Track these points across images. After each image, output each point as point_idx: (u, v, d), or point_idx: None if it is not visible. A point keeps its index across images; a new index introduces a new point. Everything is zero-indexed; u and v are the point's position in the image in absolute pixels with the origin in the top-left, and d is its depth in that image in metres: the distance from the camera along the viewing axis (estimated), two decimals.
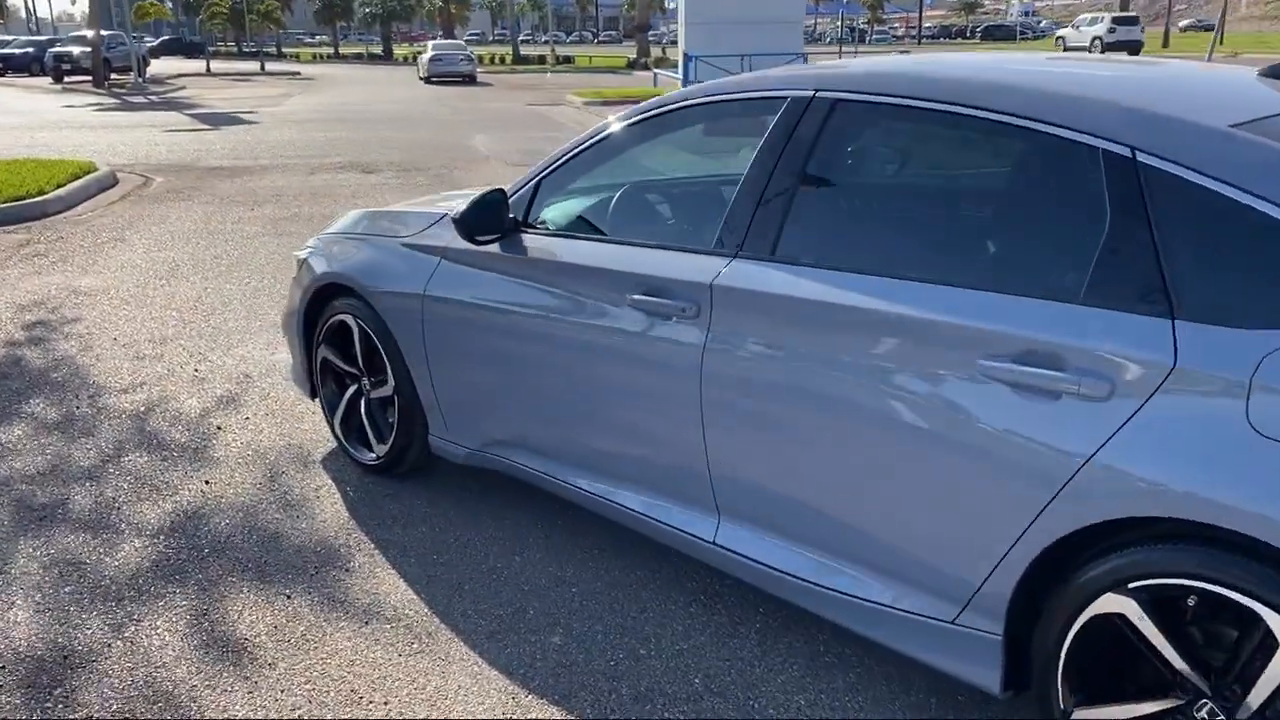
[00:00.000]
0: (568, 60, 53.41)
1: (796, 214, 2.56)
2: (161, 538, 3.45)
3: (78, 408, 4.64)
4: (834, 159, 2.67)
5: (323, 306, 3.92)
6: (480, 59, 55.63)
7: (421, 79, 37.94)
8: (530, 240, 3.16)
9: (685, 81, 26.12)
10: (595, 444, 3.06)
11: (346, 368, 3.93)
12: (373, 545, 3.40)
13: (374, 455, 3.86)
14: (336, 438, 4.05)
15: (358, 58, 65.02)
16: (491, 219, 3.14)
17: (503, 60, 54.94)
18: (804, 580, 2.56)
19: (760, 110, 2.77)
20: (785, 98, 2.64)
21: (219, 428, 4.40)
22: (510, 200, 3.21)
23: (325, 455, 4.11)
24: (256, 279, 7.06)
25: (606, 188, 3.35)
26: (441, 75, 37.31)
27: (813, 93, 2.59)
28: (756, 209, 2.59)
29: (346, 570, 3.25)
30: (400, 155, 14.22)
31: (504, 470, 3.43)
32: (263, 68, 45.37)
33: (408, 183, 11.63)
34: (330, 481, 3.88)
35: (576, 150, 3.16)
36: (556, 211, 3.26)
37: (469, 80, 37.56)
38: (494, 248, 3.23)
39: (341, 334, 3.89)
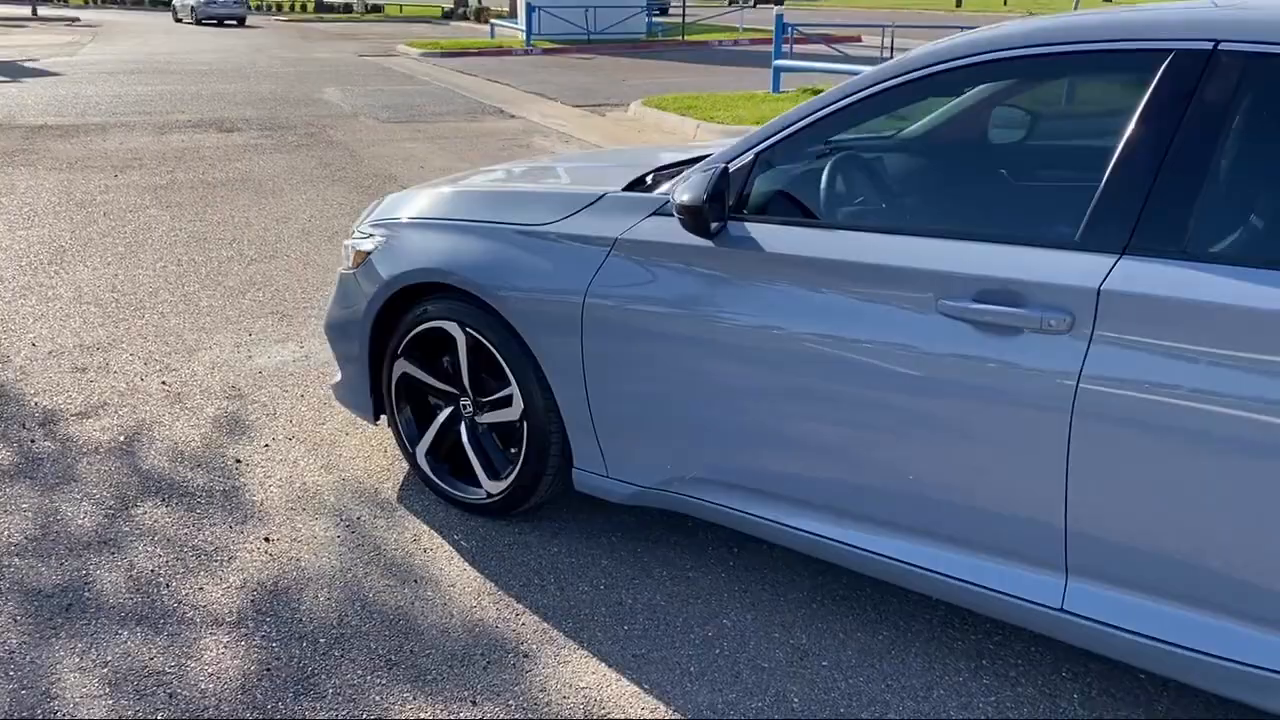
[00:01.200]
0: (377, 9, 50.72)
1: (1220, 200, 2.04)
2: (249, 626, 2.64)
3: (33, 443, 3.64)
4: (1264, 129, 2.11)
5: (403, 310, 3.14)
6: (278, 6, 52.26)
7: (186, 22, 37.97)
8: (760, 230, 2.50)
9: (529, 33, 25.10)
10: (870, 489, 2.43)
11: (440, 386, 3.17)
12: (535, 615, 2.70)
13: (483, 493, 3.13)
14: (420, 471, 3.28)
15: (123, 2, 59.35)
16: (721, 204, 2.47)
17: (304, 8, 51.57)
18: (1204, 654, 2.06)
19: (1114, 67, 2.21)
20: (1165, 51, 2.10)
21: (237, 461, 3.53)
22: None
23: (398, 492, 3.33)
24: (171, 261, 5.97)
25: (851, 164, 2.72)
26: (212, 17, 37.80)
27: (1211, 45, 2.06)
28: (1149, 193, 2.04)
29: (525, 656, 2.54)
30: (253, 111, 12.81)
31: (693, 512, 2.78)
32: (35, 12, 40.85)
33: (282, 142, 10.41)
34: (427, 529, 3.12)
35: (813, 117, 2.50)
36: (784, 191, 2.62)
37: (240, 23, 38.01)
38: (695, 239, 2.56)
39: (434, 345, 3.12)
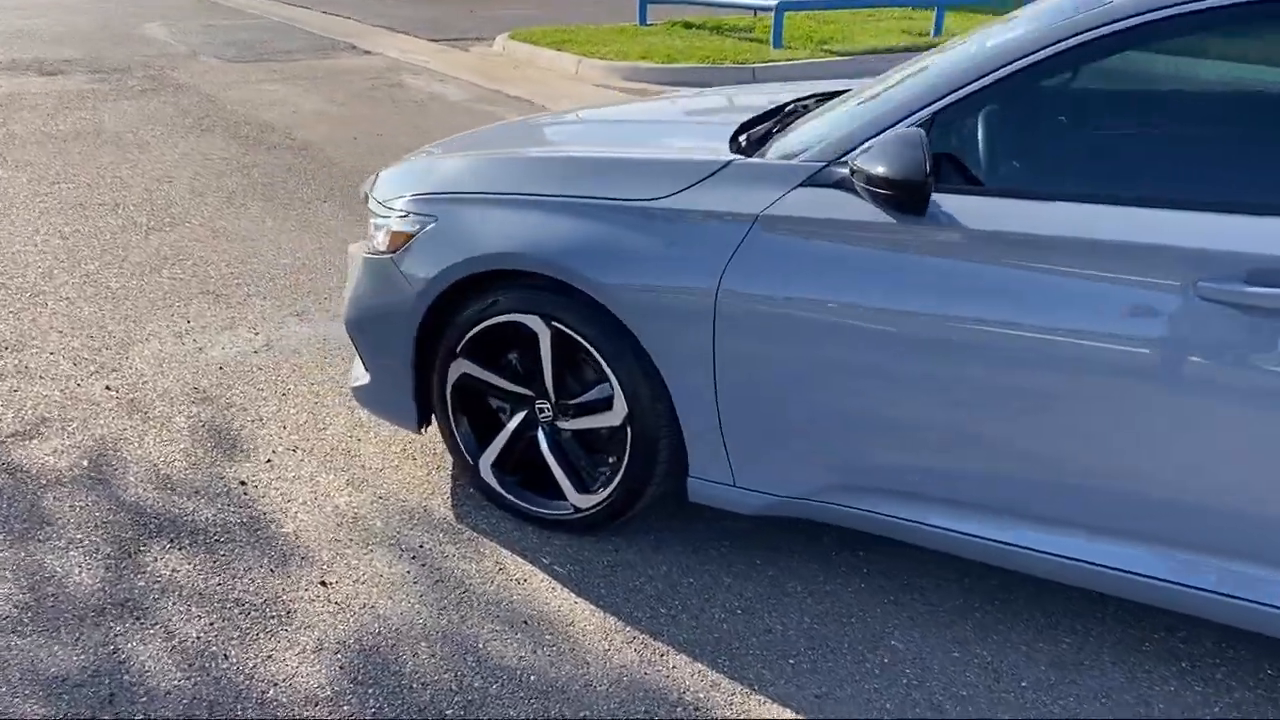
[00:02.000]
0: None
1: None
2: (352, 701, 2.17)
3: None
4: None
5: (459, 302, 2.66)
6: None
7: None
8: (974, 205, 2.14)
9: None
10: (1098, 492, 2.17)
11: (512, 388, 2.72)
12: (682, 654, 2.34)
13: (569, 508, 2.72)
14: (484, 486, 2.84)
15: None
16: (936, 176, 2.13)
17: None
18: None
19: None
20: None
21: (242, 483, 2.97)
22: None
23: (453, 509, 2.88)
24: (52, 234, 5.12)
25: (1064, 126, 2.38)
26: None
27: None
28: None
29: (697, 709, 2.18)
30: (72, 51, 11.39)
31: (844, 522, 2.46)
32: None
33: (122, 87, 9.26)
34: (509, 554, 2.69)
35: (1005, 71, 2.17)
36: (980, 157, 2.28)
37: None
38: (886, 216, 2.20)
39: (505, 341, 2.67)
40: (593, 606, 2.50)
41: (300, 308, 4.23)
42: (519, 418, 2.75)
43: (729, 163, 2.41)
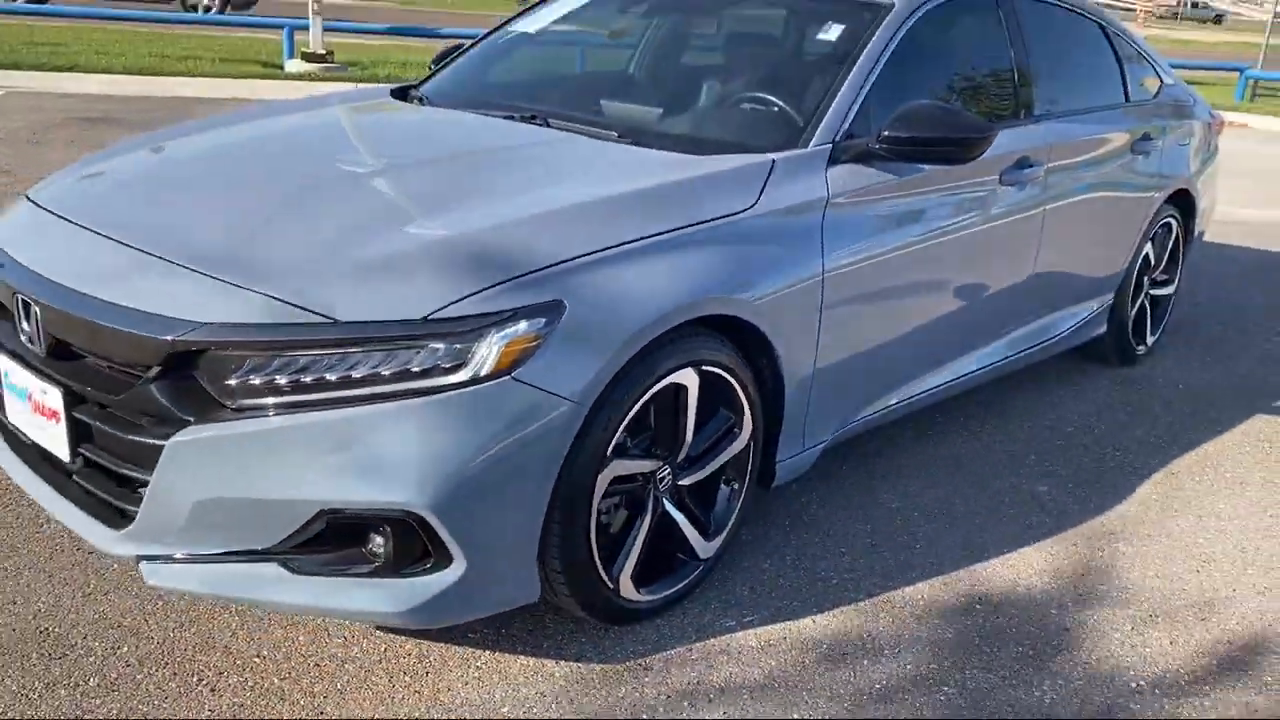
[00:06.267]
0: None
1: None
2: None
3: None
4: None
5: (603, 395, 2.12)
6: None
7: None
8: None
9: None
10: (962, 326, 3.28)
11: (653, 466, 2.33)
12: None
13: (698, 566, 2.52)
14: (627, 608, 2.38)
15: None
16: None
17: None
18: None
19: None
20: None
21: None
22: None
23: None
24: None
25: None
26: None
27: None
28: None
29: None
30: None
31: (858, 431, 2.99)
32: None
33: None
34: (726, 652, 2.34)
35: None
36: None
37: None
38: (930, 167, 2.82)
39: (654, 412, 2.28)
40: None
41: None
42: (648, 501, 2.35)
43: (775, 161, 2.53)
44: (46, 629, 2.27)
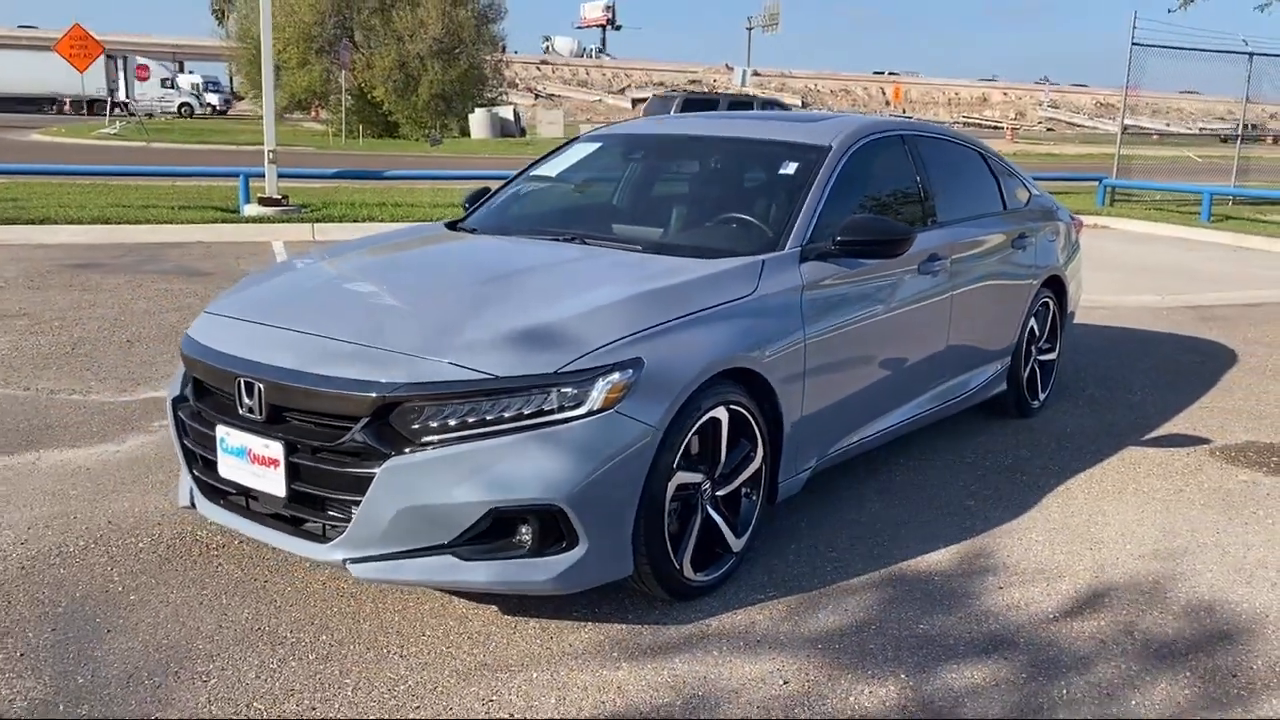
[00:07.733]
0: None
1: None
2: None
3: None
4: None
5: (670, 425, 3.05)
6: None
7: None
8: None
9: None
10: (901, 380, 4.25)
11: (701, 478, 3.25)
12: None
13: (732, 557, 3.39)
14: (685, 586, 3.26)
15: None
16: None
17: None
18: None
19: None
20: None
21: None
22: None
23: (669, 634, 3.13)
24: None
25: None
26: None
27: None
28: None
29: None
30: None
31: (829, 463, 3.88)
32: None
33: None
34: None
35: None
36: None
37: None
38: (874, 261, 3.88)
39: (699, 439, 3.20)
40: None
41: None
42: (698, 505, 3.27)
43: (764, 260, 3.53)
44: (261, 628, 3.04)
